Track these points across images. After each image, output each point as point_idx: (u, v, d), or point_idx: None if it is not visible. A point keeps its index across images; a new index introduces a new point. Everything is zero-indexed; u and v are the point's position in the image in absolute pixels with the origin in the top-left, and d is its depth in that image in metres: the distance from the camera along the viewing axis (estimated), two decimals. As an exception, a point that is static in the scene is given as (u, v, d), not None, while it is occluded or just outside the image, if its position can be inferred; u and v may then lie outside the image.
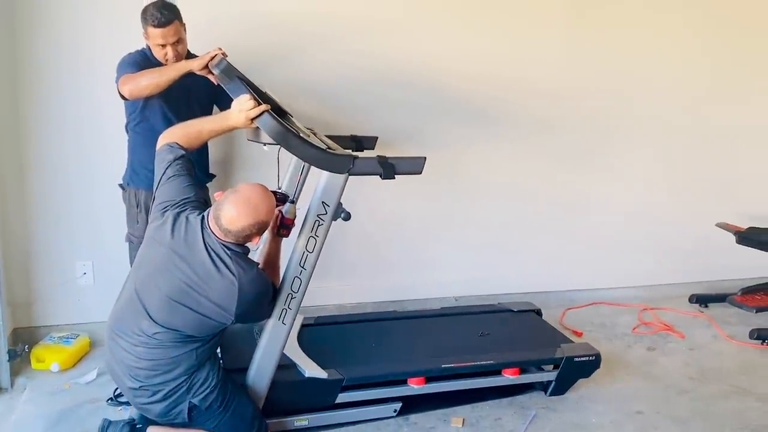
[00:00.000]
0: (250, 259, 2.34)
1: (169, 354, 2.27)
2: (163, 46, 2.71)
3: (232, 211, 2.22)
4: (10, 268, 3.15)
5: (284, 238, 2.53)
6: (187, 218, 2.30)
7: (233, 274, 2.23)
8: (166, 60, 2.76)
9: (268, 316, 2.46)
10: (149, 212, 2.76)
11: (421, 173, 2.50)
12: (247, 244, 2.31)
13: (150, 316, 2.27)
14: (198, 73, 2.63)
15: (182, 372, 2.29)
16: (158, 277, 2.29)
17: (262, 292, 2.35)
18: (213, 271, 2.23)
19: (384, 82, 3.46)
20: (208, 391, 2.33)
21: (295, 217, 2.50)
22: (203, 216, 2.29)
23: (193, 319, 2.26)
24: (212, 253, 2.24)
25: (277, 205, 2.49)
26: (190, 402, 2.32)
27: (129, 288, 2.36)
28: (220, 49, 2.60)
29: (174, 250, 2.27)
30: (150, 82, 2.63)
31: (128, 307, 2.33)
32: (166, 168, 2.39)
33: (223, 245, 2.25)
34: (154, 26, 2.67)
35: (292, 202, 2.53)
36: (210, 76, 2.64)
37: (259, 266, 2.40)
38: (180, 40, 2.75)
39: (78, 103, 3.11)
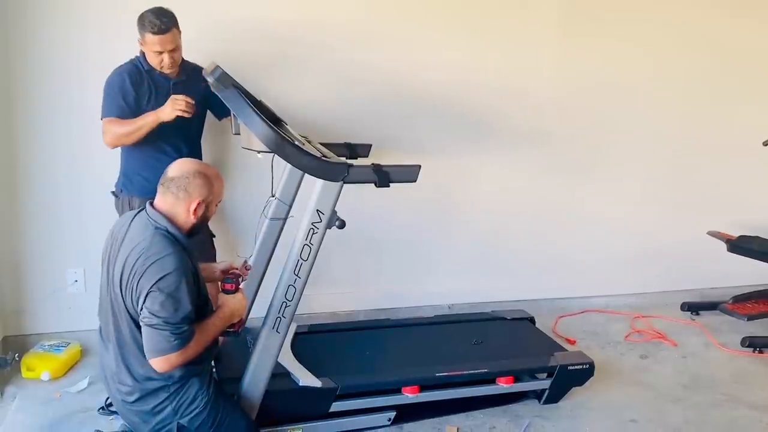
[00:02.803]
0: (177, 240, 2.19)
1: (136, 370, 2.22)
2: (160, 53, 2.72)
3: (179, 161, 2.30)
4: (0, 276, 3.13)
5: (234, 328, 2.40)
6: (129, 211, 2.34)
7: (142, 247, 2.14)
8: (162, 66, 2.76)
9: (162, 345, 2.12)
10: None
11: (415, 181, 2.50)
12: (183, 212, 2.20)
13: (110, 323, 2.25)
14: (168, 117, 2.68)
15: (160, 392, 2.23)
16: (104, 282, 2.28)
17: (168, 271, 2.10)
18: (131, 254, 2.15)
19: (378, 91, 3.46)
20: (197, 411, 2.27)
21: (240, 273, 2.45)
22: (143, 207, 2.27)
23: (129, 314, 2.18)
24: (134, 232, 2.19)
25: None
26: (178, 423, 2.26)
27: (101, 296, 2.35)
28: (186, 101, 2.67)
29: (114, 245, 2.25)
30: (127, 136, 2.74)
31: (101, 316, 2.33)
32: None
33: (153, 221, 2.18)
34: (153, 33, 2.67)
35: (246, 260, 2.56)
36: (179, 111, 2.67)
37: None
38: (176, 48, 2.76)
39: (69, 110, 3.09)
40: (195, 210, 2.22)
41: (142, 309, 2.13)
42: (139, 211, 2.28)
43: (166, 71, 2.79)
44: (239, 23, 3.19)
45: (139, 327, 2.18)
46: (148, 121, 2.70)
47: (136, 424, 2.31)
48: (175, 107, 2.66)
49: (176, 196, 2.20)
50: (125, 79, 2.76)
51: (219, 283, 2.45)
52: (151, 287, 2.10)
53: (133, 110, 2.76)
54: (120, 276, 2.18)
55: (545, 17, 3.67)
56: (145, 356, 2.18)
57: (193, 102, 2.71)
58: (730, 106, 4.10)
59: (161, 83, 2.80)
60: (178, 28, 2.74)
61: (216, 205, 2.32)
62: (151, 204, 2.25)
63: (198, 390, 2.28)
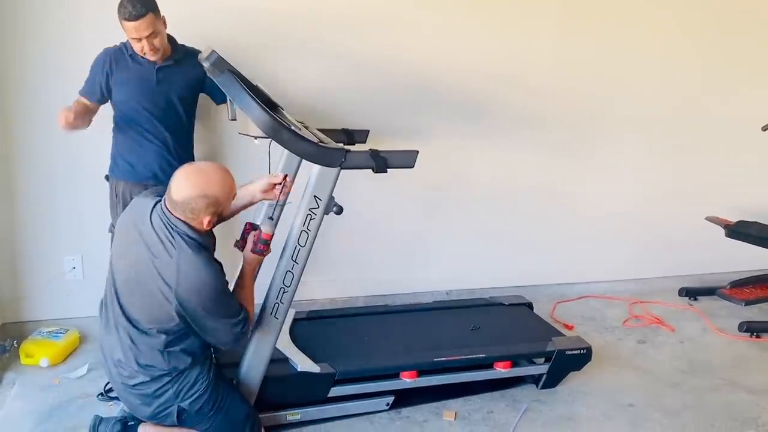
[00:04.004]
0: (201, 246, 2.21)
1: (140, 356, 2.24)
2: (138, 39, 2.68)
3: (181, 179, 2.18)
4: (-2, 263, 3.14)
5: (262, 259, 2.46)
6: (145, 197, 2.32)
7: (171, 257, 2.15)
8: (144, 53, 2.73)
9: (223, 334, 2.26)
10: (126, 204, 2.79)
11: (413, 167, 2.49)
12: (197, 224, 2.20)
13: (120, 305, 2.25)
14: None
15: (162, 373, 2.24)
16: (122, 261, 2.28)
17: (205, 285, 2.16)
18: (156, 250, 2.17)
19: (376, 77, 3.44)
20: (197, 395, 2.29)
21: (273, 233, 2.43)
22: (159, 199, 2.26)
23: (143, 303, 2.20)
24: (158, 230, 2.18)
25: (253, 228, 2.44)
26: (178, 406, 2.28)
27: (108, 280, 2.34)
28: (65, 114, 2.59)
29: (136, 231, 2.24)
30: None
31: (107, 301, 2.32)
32: None
33: (171, 223, 2.18)
34: (126, 20, 2.63)
35: (271, 218, 2.50)
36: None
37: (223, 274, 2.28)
38: (155, 33, 2.68)
39: (62, 96, 3.05)
40: (207, 223, 2.22)
41: (196, 320, 2.19)
42: (155, 205, 2.24)
43: (150, 58, 2.75)
44: (237, 6, 3.17)
45: (134, 326, 2.22)
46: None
47: (136, 407, 2.32)
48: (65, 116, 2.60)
49: (185, 216, 2.19)
50: (103, 61, 2.76)
51: (254, 243, 2.41)
52: (200, 310, 2.17)
53: (97, 97, 2.79)
54: (136, 273, 2.20)
55: (546, 2, 3.64)
56: (147, 347, 2.22)
57: (73, 113, 2.62)
58: (729, 92, 4.09)
59: (146, 68, 2.77)
60: (155, 12, 2.66)
61: (230, 202, 2.30)
62: (164, 201, 2.23)
63: (199, 374, 2.30)
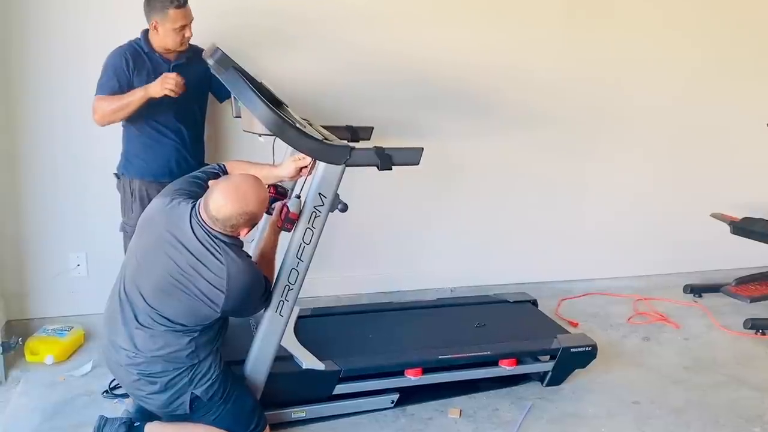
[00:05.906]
0: (241, 250, 2.32)
1: (165, 347, 2.26)
2: (182, 27, 2.70)
3: (219, 198, 2.22)
4: (2, 260, 3.13)
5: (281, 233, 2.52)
6: (178, 204, 2.32)
7: (222, 263, 2.23)
8: (182, 43, 2.76)
9: (259, 310, 2.46)
10: (143, 201, 2.77)
11: (418, 164, 2.49)
12: (235, 234, 2.29)
13: (145, 301, 2.27)
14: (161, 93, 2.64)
15: (182, 363, 2.28)
16: (152, 260, 2.28)
17: (253, 285, 2.32)
18: (202, 259, 2.23)
19: (380, 73, 3.44)
20: (210, 382, 2.33)
21: (301, 212, 2.45)
22: (194, 205, 2.29)
23: (182, 304, 2.25)
24: (202, 240, 2.24)
25: (279, 199, 2.48)
26: (192, 393, 2.31)
27: (125, 275, 2.35)
28: (176, 81, 2.63)
29: (170, 234, 2.27)
30: (115, 112, 2.70)
31: (125, 295, 2.32)
32: (196, 171, 2.55)
33: (212, 234, 2.24)
34: (177, 8, 2.66)
35: (298, 197, 2.50)
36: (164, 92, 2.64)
37: (252, 259, 2.39)
38: (192, 19, 2.76)
39: (68, 91, 3.07)
40: (245, 233, 2.31)
41: (239, 312, 2.40)
42: (191, 210, 2.27)
43: (183, 48, 2.78)
44: (241, 4, 3.16)
45: (161, 323, 2.27)
46: (136, 97, 2.67)
47: (149, 397, 2.32)
48: (164, 85, 2.62)
49: (225, 230, 2.26)
50: (123, 60, 2.74)
51: (282, 221, 2.46)
52: (246, 306, 2.37)
53: (124, 92, 2.75)
54: (174, 277, 2.24)
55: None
56: (174, 339, 2.28)
57: (184, 82, 2.66)
58: (735, 87, 4.07)
59: (161, 66, 2.78)
60: None
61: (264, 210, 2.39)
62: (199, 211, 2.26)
63: (212, 362, 2.34)
